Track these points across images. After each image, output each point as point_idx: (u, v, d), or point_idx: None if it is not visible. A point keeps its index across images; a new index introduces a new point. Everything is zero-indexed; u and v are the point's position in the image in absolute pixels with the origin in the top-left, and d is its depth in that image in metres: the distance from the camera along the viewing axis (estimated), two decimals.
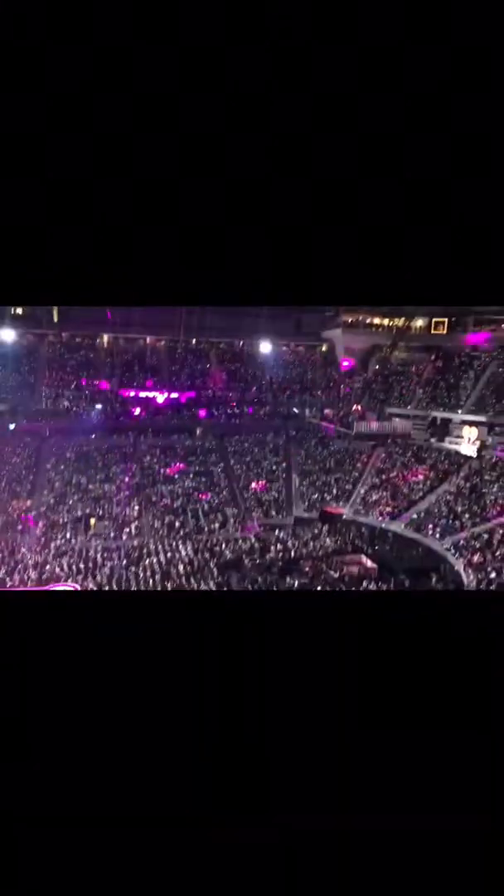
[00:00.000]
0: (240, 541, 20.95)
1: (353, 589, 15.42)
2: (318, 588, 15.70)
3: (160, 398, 26.97)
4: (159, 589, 18.31)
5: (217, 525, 21.89)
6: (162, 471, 23.20)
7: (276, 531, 20.11)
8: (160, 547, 21.29)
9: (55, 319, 25.75)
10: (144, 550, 21.02)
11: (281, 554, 18.63)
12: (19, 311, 25.06)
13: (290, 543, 19.52)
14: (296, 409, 27.25)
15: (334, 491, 23.03)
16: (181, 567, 20.15)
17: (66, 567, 19.95)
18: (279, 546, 19.26)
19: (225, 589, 16.79)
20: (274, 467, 24.65)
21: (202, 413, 26.81)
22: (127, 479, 23.34)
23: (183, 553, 20.95)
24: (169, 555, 20.75)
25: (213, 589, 18.13)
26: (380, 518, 19.97)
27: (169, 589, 18.10)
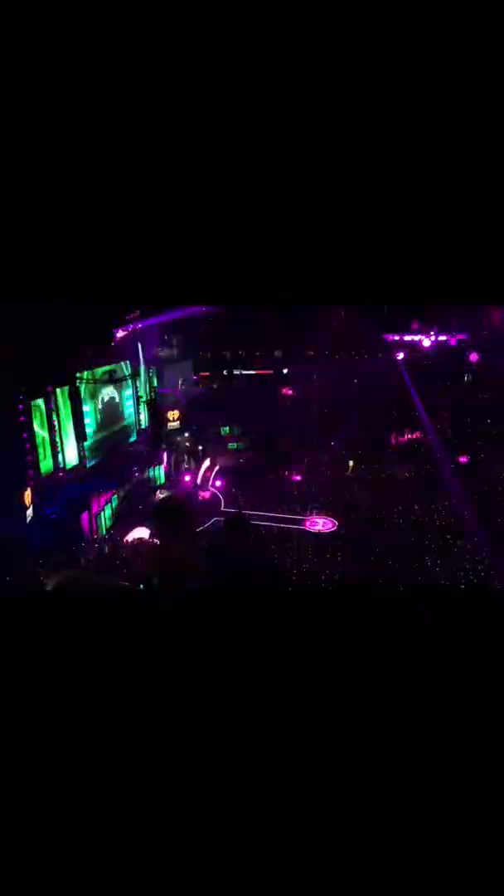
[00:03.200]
0: None
1: None
2: None
3: (426, 341, 25.60)
4: (412, 538, 18.33)
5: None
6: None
7: None
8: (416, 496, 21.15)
9: None
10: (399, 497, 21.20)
11: None
12: None
13: None
14: None
15: None
16: (437, 518, 19.79)
17: (325, 501, 21.58)
18: None
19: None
20: None
21: (473, 356, 24.56)
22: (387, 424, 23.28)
23: (441, 507, 20.42)
24: (423, 505, 20.50)
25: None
26: None
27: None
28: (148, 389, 22.40)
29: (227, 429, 23.54)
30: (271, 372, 26.17)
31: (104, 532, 18.39)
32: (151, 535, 17.11)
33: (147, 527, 17.74)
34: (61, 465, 17.97)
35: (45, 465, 17.31)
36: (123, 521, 19.22)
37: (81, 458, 19.06)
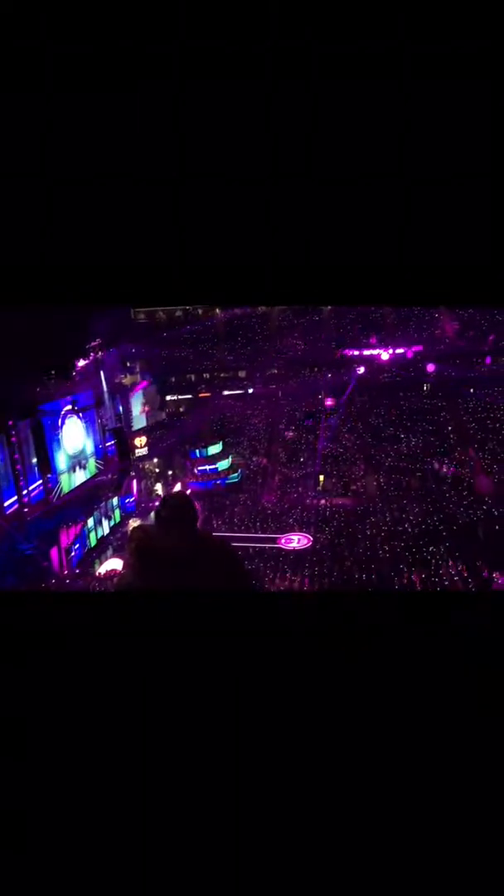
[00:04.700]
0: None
1: None
2: None
3: (384, 355, 26.41)
4: (385, 547, 18.53)
5: (444, 487, 21.03)
6: (390, 429, 22.91)
7: None
8: (387, 506, 21.46)
9: None
10: (371, 508, 21.50)
11: None
12: None
13: None
14: None
15: None
16: (408, 527, 20.04)
17: (298, 518, 21.65)
18: None
19: None
20: None
21: (430, 367, 25.46)
22: (353, 438, 23.76)
23: (411, 515, 20.71)
24: (394, 514, 20.74)
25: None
26: None
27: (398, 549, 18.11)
28: (113, 417, 22.16)
29: (197, 451, 23.60)
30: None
31: (75, 566, 17.88)
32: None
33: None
34: (27, 501, 17.46)
35: (10, 501, 16.79)
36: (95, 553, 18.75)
37: (47, 491, 18.58)
